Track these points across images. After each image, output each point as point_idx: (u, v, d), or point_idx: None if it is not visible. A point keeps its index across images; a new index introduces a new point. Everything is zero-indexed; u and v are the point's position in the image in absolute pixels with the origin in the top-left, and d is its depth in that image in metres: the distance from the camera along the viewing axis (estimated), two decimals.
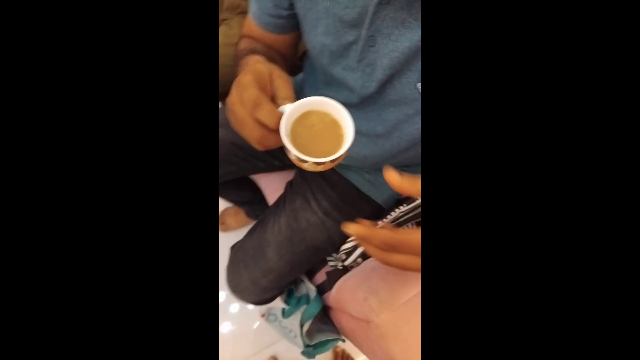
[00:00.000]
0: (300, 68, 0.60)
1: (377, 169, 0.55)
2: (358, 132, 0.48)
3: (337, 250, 0.56)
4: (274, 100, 0.31)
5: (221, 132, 0.60)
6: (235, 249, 0.60)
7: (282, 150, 0.74)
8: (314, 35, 0.40)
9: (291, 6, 0.42)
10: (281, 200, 0.59)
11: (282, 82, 0.31)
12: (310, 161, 0.29)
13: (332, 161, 0.30)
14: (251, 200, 0.84)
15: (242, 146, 0.60)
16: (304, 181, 0.58)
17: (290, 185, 0.61)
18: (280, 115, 0.29)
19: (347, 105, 0.44)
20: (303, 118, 0.32)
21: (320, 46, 0.40)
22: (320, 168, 0.31)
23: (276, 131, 0.29)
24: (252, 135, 0.30)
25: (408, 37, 0.33)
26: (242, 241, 0.59)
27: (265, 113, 0.29)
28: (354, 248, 0.54)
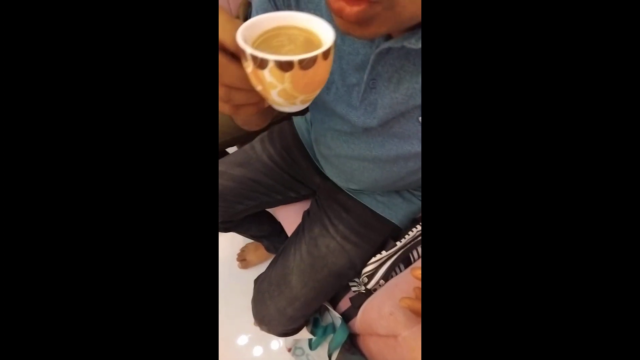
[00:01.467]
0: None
1: (389, 191, 0.58)
2: (364, 159, 0.51)
3: (358, 274, 0.57)
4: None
5: (240, 171, 0.64)
6: (259, 281, 0.62)
7: (296, 181, 0.77)
8: None
9: None
10: (300, 229, 0.62)
11: (225, 32, 0.23)
12: (272, 60, 0.21)
13: (302, 65, 0.21)
14: (271, 234, 0.87)
15: (260, 182, 0.64)
16: (320, 209, 0.61)
17: (307, 214, 0.64)
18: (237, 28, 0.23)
19: (351, 134, 0.47)
20: (269, 39, 0.25)
21: (327, 84, 0.44)
22: (289, 83, 0.22)
23: (238, 61, 0.24)
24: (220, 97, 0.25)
25: (407, 79, 0.36)
26: (266, 273, 0.61)
27: (231, 75, 0.24)
28: (376, 270, 0.55)
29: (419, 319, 0.38)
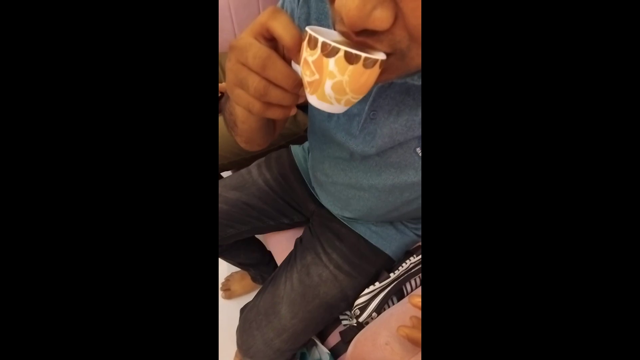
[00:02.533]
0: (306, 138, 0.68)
1: (384, 221, 0.58)
2: (360, 187, 0.51)
3: (350, 307, 0.56)
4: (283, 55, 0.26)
5: (235, 194, 0.64)
6: (246, 310, 0.59)
7: (291, 207, 0.76)
8: None
9: None
10: (292, 256, 0.60)
11: (281, 24, 0.24)
12: (343, 50, 0.23)
13: (365, 64, 0.23)
14: (259, 262, 0.84)
15: (254, 206, 0.63)
16: (314, 236, 0.60)
17: (300, 242, 0.63)
18: (294, 75, 0.25)
19: (349, 162, 0.48)
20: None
21: (328, 113, 0.45)
22: (348, 77, 0.24)
23: (288, 89, 0.25)
24: (256, 55, 0.24)
25: (407, 112, 0.38)
26: (254, 301, 0.59)
27: (281, 22, 0.24)
28: (368, 302, 0.53)
29: (418, 349, 0.37)
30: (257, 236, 0.84)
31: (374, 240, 0.57)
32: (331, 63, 0.23)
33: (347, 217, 0.59)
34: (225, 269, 1.04)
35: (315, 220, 0.63)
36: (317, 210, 0.64)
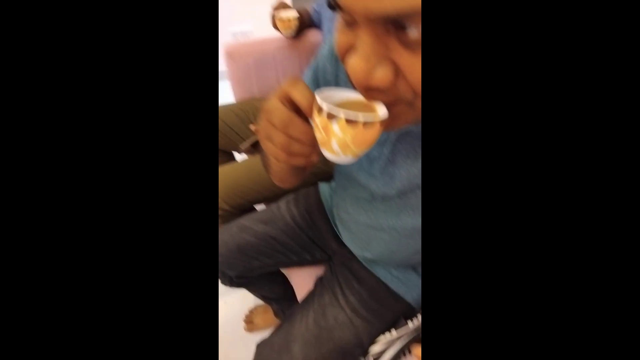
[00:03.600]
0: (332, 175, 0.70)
1: (405, 266, 0.57)
2: (381, 228, 0.51)
3: (364, 354, 0.53)
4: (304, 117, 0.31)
5: (263, 227, 0.67)
6: (261, 346, 0.59)
7: (314, 244, 0.77)
8: None
9: None
10: (310, 295, 0.60)
11: (299, 92, 0.29)
12: (342, 117, 0.26)
13: (365, 126, 0.26)
14: (282, 297, 0.84)
15: (280, 240, 0.66)
16: (333, 276, 0.60)
17: (320, 281, 0.63)
18: (312, 131, 0.30)
19: (370, 202, 0.49)
20: (340, 106, 0.29)
21: None
22: (350, 136, 0.27)
23: (306, 120, 0.30)
24: (280, 118, 0.30)
25: None
26: (269, 337, 0.59)
27: (300, 89, 0.29)
28: (384, 351, 0.51)
29: None
30: (283, 271, 0.85)
31: (394, 285, 0.55)
32: (334, 126, 0.27)
33: (367, 258, 0.58)
34: (250, 301, 1.05)
35: (336, 259, 0.64)
36: (339, 249, 0.64)
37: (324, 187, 0.71)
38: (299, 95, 0.29)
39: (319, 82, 0.47)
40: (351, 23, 0.26)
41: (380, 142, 0.43)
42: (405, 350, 0.50)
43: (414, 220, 0.45)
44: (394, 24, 0.23)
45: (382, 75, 0.25)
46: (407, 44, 0.24)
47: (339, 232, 0.64)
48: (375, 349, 0.51)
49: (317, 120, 0.28)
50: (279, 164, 0.41)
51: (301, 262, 0.70)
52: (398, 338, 0.51)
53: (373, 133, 0.28)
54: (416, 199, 0.43)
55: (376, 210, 0.48)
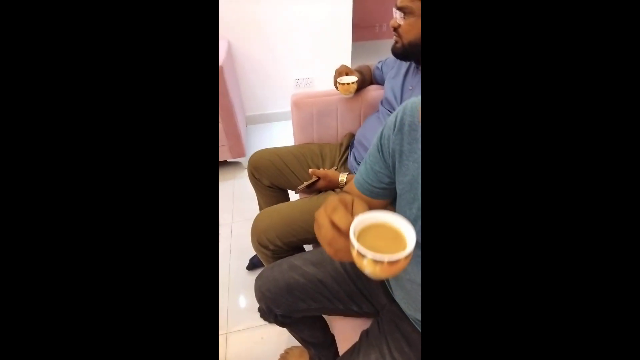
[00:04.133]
0: None
1: None
2: None
3: None
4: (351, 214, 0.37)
5: (313, 269, 0.69)
6: None
7: (362, 295, 0.76)
8: (408, 209, 0.51)
9: (390, 182, 0.54)
10: (355, 349, 0.59)
11: (360, 205, 0.38)
12: (369, 257, 0.31)
13: (390, 263, 0.31)
14: (321, 344, 0.83)
15: (328, 285, 0.67)
16: (381, 333, 0.59)
17: (366, 335, 0.62)
18: (351, 221, 0.35)
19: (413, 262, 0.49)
20: (370, 228, 0.36)
21: (413, 220, 0.49)
22: (378, 270, 0.32)
23: (346, 236, 0.34)
24: (325, 235, 0.36)
25: None
26: None
27: (339, 215, 0.36)
28: None
29: None
30: (325, 317, 0.85)
31: None
32: (365, 261, 0.32)
33: (419, 320, 0.57)
34: (287, 340, 1.04)
35: (385, 315, 0.62)
36: (389, 305, 0.63)
37: None
38: (339, 221, 0.36)
39: (382, 151, 0.50)
40: None
41: None
42: None
43: None
44: None
45: None
46: None
47: (391, 288, 0.63)
48: None
49: (353, 252, 0.33)
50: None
51: (347, 312, 0.69)
52: None
53: (399, 267, 0.32)
54: None
55: (418, 267, 0.48)
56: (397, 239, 0.34)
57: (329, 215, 0.37)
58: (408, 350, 0.54)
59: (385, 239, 0.34)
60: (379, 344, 0.57)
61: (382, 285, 0.65)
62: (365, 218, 0.36)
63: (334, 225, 0.37)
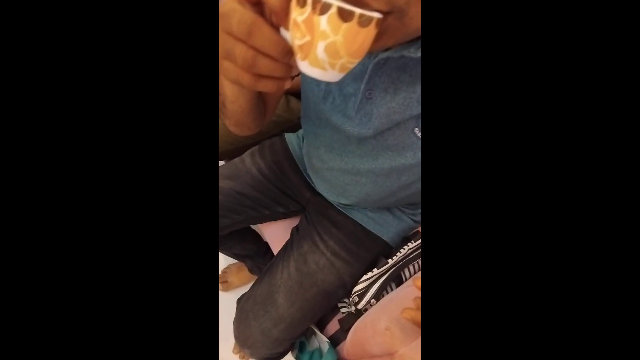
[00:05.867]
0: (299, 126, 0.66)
1: (380, 207, 0.57)
2: (357, 172, 0.50)
3: (348, 294, 0.55)
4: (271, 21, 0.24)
5: (228, 183, 0.62)
6: (242, 299, 0.58)
7: (286, 195, 0.74)
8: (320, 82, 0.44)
9: None
10: (288, 245, 0.59)
11: None
12: (335, 4, 0.21)
13: (361, 19, 0.21)
14: (255, 253, 0.83)
15: (248, 195, 0.62)
16: (310, 224, 0.59)
17: (296, 230, 0.62)
18: (283, 42, 0.23)
19: (344, 147, 0.47)
20: None
21: (325, 93, 0.43)
22: (342, 29, 0.22)
23: (278, 58, 0.24)
24: (243, 54, 0.23)
25: (404, 90, 0.36)
26: (250, 291, 0.58)
27: (264, 38, 0.23)
28: (367, 289, 0.53)
29: (419, 333, 0.37)
30: (254, 227, 0.83)
31: (371, 227, 0.56)
32: (323, 21, 0.22)
33: (343, 204, 0.58)
34: (222, 261, 1.03)
35: (311, 208, 0.62)
36: (313, 198, 0.62)
37: (290, 137, 0.67)
38: (264, 42, 0.23)
39: None
40: None
41: (354, 77, 0.39)
42: (387, 287, 0.53)
43: (391, 161, 0.43)
44: None
45: None
46: None
47: (311, 181, 0.62)
48: (358, 288, 0.53)
49: (299, 18, 0.22)
50: (237, 100, 0.36)
51: (274, 216, 0.67)
52: (380, 275, 0.53)
53: (368, 35, 0.23)
54: (394, 138, 0.41)
55: (352, 154, 0.46)
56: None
57: (248, 42, 0.23)
58: (336, 231, 0.56)
59: None
60: (310, 234, 0.57)
61: (303, 180, 0.63)
62: None
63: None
